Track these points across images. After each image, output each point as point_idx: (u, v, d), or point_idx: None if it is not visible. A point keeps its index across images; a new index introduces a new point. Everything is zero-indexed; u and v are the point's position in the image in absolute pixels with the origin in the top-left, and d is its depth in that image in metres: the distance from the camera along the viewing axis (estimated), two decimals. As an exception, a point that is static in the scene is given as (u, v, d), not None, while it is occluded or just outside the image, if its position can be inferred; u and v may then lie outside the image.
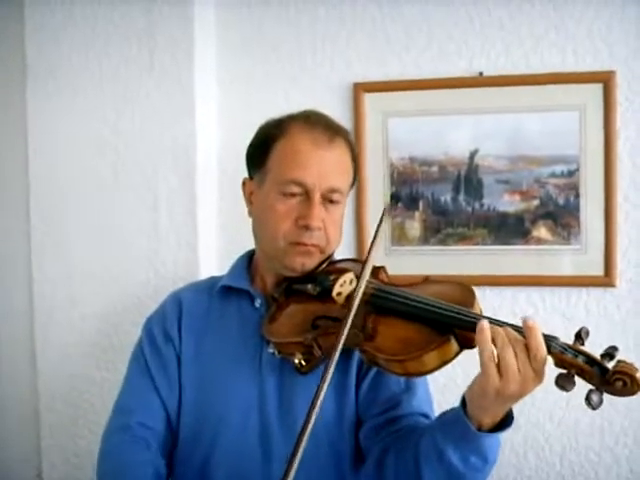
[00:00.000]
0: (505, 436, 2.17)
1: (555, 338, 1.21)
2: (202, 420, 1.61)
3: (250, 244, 1.72)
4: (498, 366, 1.20)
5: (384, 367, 1.37)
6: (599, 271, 2.14)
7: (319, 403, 1.25)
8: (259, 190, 1.62)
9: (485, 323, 1.22)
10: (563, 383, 1.15)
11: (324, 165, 1.55)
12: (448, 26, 2.20)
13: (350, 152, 1.63)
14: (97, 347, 2.32)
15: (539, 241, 2.17)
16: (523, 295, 2.20)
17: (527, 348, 1.17)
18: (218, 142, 2.33)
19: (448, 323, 1.30)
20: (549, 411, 2.19)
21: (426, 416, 1.54)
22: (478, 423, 1.27)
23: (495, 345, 1.21)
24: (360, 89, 2.23)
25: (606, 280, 2.13)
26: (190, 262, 2.25)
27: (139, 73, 2.25)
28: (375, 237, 1.48)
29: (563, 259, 2.16)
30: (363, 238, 2.23)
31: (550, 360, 1.20)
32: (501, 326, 1.24)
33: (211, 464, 1.60)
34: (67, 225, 2.33)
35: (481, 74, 2.17)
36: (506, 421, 1.29)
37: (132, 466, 1.57)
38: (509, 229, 2.18)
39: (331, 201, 1.57)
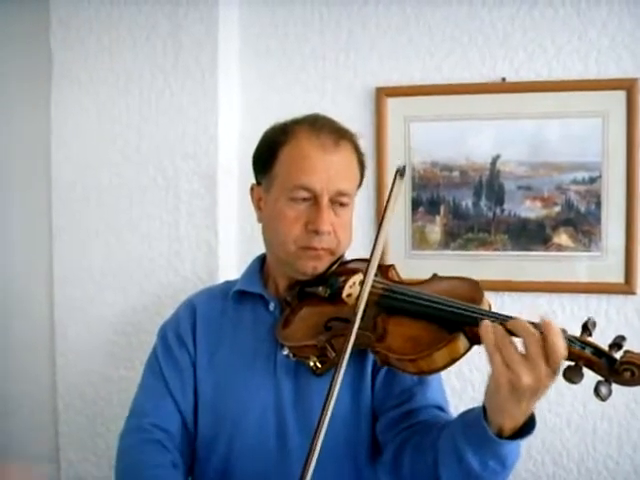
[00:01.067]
0: (522, 442, 2.19)
1: (563, 331, 1.20)
2: (219, 423, 1.62)
3: (268, 246, 1.73)
4: (503, 358, 1.18)
5: (397, 367, 1.37)
6: (619, 278, 2.14)
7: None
8: (267, 196, 1.62)
9: (486, 320, 1.21)
10: (571, 376, 1.14)
11: (331, 169, 1.55)
12: (471, 32, 2.21)
13: (356, 154, 1.63)
14: (116, 346, 2.34)
15: (560, 247, 2.17)
16: (543, 301, 2.20)
17: (544, 344, 1.16)
18: (240, 144, 2.34)
19: (457, 321, 1.30)
20: (566, 417, 2.19)
21: (441, 408, 1.54)
22: (498, 428, 1.25)
23: (496, 338, 1.19)
24: (383, 93, 2.24)
25: (626, 287, 2.13)
26: (210, 263, 2.26)
27: (163, 74, 2.27)
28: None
29: (583, 266, 2.16)
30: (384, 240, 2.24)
31: None
32: (507, 321, 1.22)
33: (229, 466, 1.61)
34: (88, 225, 2.35)
35: (504, 80, 2.18)
36: (528, 425, 1.28)
37: (148, 464, 1.58)
38: (530, 235, 2.18)
39: (340, 204, 1.57)
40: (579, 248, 2.16)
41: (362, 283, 1.45)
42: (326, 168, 1.54)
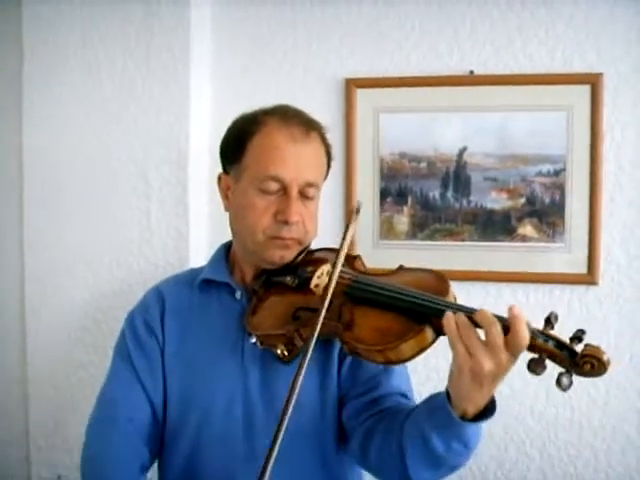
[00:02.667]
0: (486, 429, 2.22)
1: (527, 323, 1.24)
2: (187, 411, 1.64)
3: (239, 233, 1.74)
4: (466, 347, 1.24)
5: (365, 357, 1.40)
6: (582, 269, 2.17)
7: (295, 395, 1.30)
8: (236, 185, 1.64)
9: (449, 312, 1.27)
10: (535, 367, 1.20)
11: (301, 160, 1.57)
12: (440, 25, 2.24)
13: (324, 146, 1.66)
14: (86, 332, 2.34)
15: (524, 238, 2.21)
16: (508, 291, 2.24)
17: (509, 332, 1.21)
18: (211, 133, 2.34)
19: (424, 312, 1.34)
20: (530, 406, 2.23)
21: (405, 395, 1.59)
22: (462, 411, 1.30)
23: (459, 328, 1.25)
24: (352, 84, 2.26)
25: (589, 278, 2.17)
26: (180, 250, 2.28)
27: (135, 64, 2.28)
28: (346, 231, 1.50)
29: (547, 257, 2.19)
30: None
31: None
32: (472, 313, 1.27)
33: (197, 453, 1.63)
34: (59, 210, 2.35)
35: (472, 72, 2.20)
36: (489, 409, 1.33)
37: (116, 459, 1.61)
38: (495, 226, 2.22)
39: (308, 195, 1.60)
40: (543, 239, 2.20)
41: (330, 273, 1.49)
42: (296, 159, 1.57)
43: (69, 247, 2.35)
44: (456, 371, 1.27)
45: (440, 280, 1.46)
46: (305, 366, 1.33)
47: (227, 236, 1.81)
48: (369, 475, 1.65)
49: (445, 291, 1.40)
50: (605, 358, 1.18)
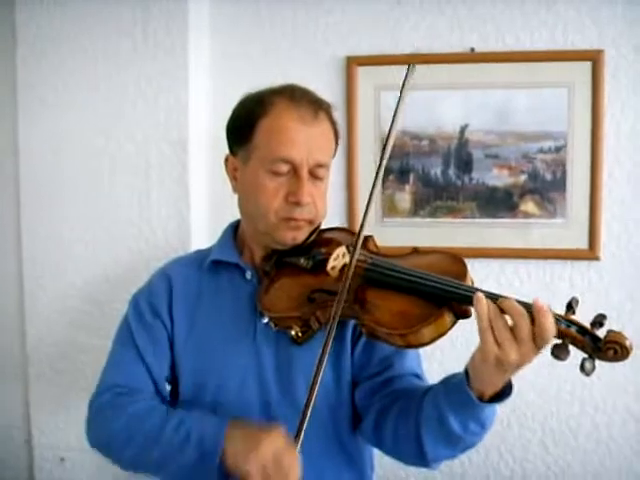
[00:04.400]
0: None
1: (550, 310, 1.26)
2: (201, 391, 1.64)
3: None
4: (495, 336, 1.24)
5: (385, 340, 1.40)
6: (583, 245, 2.19)
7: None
8: (244, 167, 1.62)
9: (480, 295, 1.25)
10: (558, 353, 1.20)
11: (310, 141, 1.56)
12: (441, 3, 2.23)
13: (332, 125, 1.65)
14: (86, 314, 2.33)
15: (526, 215, 2.22)
16: (510, 267, 2.25)
17: (534, 325, 1.21)
18: (210, 114, 2.34)
19: (445, 296, 1.34)
20: (531, 381, 2.25)
21: (417, 376, 1.60)
22: (479, 393, 1.31)
23: (490, 316, 1.24)
24: (353, 62, 2.25)
25: (590, 253, 2.19)
26: (181, 231, 2.26)
27: (133, 44, 2.25)
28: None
29: (549, 233, 2.21)
30: (354, 209, 2.29)
31: None
32: (497, 299, 1.27)
33: None
34: (58, 192, 2.33)
35: (473, 50, 2.20)
36: (505, 391, 1.34)
37: (127, 403, 1.60)
38: (497, 203, 2.23)
39: (317, 175, 1.59)
40: (544, 215, 2.21)
41: (346, 255, 1.50)
42: (306, 140, 1.55)
43: (68, 228, 2.33)
44: (481, 358, 1.27)
45: (458, 263, 1.45)
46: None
47: (228, 216, 1.80)
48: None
49: (463, 274, 1.40)
50: (628, 344, 1.18)
